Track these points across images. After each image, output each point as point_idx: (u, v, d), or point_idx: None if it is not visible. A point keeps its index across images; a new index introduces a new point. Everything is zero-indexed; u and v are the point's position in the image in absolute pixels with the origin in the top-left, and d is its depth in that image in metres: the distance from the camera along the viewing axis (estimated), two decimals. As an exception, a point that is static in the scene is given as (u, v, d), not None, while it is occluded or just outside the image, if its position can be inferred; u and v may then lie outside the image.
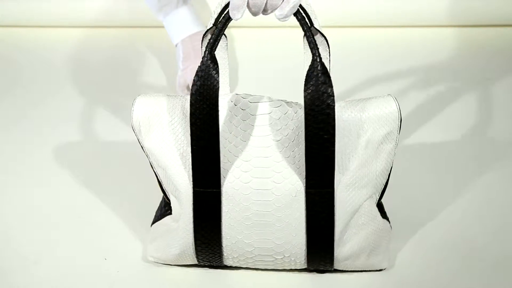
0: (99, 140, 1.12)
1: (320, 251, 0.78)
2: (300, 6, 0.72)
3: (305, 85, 0.71)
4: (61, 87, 1.28)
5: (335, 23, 1.43)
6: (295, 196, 0.75)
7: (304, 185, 0.75)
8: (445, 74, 1.27)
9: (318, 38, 0.77)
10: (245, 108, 0.77)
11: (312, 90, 0.70)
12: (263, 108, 0.77)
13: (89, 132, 1.14)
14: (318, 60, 0.70)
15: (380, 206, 0.81)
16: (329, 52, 0.79)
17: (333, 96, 0.70)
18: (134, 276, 0.84)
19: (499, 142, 1.07)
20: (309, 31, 0.71)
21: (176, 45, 1.23)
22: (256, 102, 0.77)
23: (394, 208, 0.94)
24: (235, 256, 0.79)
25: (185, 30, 1.21)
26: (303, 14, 0.73)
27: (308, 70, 0.71)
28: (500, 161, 1.03)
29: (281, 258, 0.79)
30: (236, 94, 0.79)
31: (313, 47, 0.70)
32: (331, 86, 0.70)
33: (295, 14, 0.71)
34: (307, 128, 0.71)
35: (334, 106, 0.71)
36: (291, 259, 0.79)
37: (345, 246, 0.78)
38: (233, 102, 0.78)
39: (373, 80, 1.25)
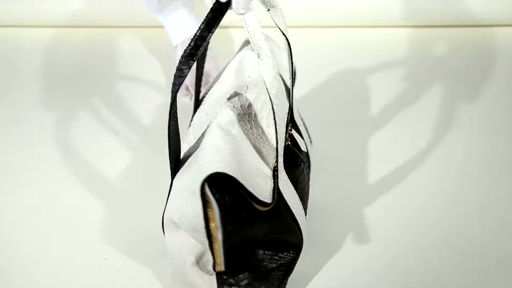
0: (99, 140, 1.12)
1: None
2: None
3: None
4: (61, 87, 1.28)
5: (335, 23, 1.43)
6: None
7: None
8: (445, 74, 1.27)
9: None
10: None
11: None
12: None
13: (89, 132, 1.14)
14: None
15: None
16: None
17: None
18: (134, 276, 0.84)
19: (498, 142, 1.07)
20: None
21: (175, 47, 1.22)
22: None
23: (394, 207, 0.94)
24: None
25: (185, 31, 1.20)
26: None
27: None
28: (500, 161, 1.03)
29: None
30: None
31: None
32: None
33: None
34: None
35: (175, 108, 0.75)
36: None
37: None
38: None
39: (372, 80, 1.25)
